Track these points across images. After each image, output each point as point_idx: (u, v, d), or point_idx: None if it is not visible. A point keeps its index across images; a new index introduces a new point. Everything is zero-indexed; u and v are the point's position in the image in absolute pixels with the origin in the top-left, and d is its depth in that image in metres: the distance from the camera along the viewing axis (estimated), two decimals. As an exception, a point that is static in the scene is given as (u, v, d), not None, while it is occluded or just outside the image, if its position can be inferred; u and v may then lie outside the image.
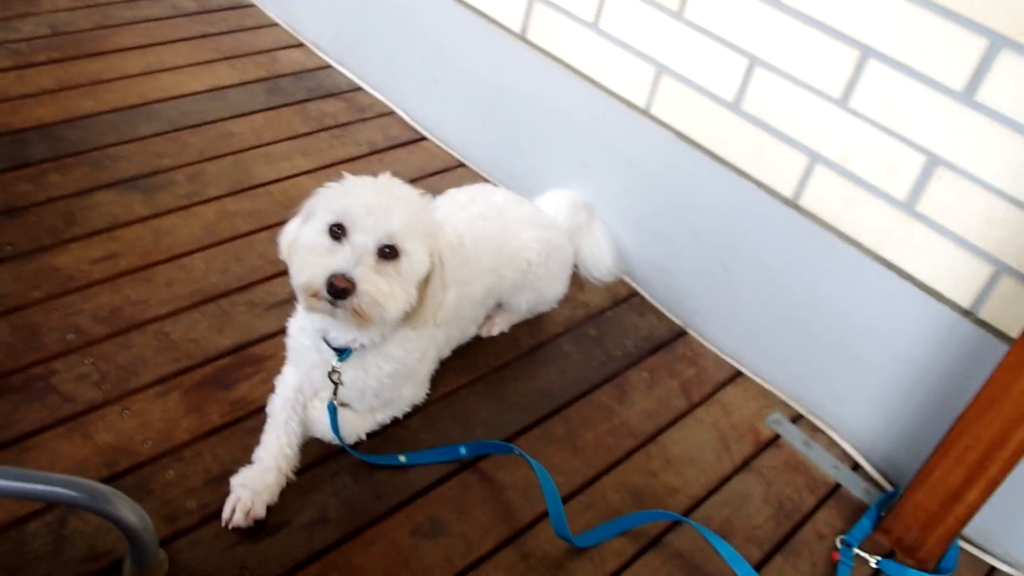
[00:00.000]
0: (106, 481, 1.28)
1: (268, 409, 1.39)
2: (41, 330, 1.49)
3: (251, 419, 1.43)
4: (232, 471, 1.31)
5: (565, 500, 1.42)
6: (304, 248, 1.22)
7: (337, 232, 1.19)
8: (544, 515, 1.40)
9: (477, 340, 1.71)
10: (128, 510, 1.10)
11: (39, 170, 1.84)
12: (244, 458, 1.34)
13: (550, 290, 1.72)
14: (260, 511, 1.27)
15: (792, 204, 1.64)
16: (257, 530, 1.27)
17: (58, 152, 1.90)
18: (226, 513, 1.26)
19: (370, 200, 1.20)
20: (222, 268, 1.73)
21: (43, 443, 1.31)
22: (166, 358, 1.51)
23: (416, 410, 1.51)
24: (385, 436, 1.47)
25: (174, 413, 1.42)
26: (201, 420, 1.42)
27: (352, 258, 1.17)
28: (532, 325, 1.80)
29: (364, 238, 1.18)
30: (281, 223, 1.32)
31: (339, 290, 1.15)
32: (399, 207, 1.20)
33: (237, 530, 1.26)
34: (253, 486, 1.28)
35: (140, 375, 1.47)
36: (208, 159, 2.01)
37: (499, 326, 1.75)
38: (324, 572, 1.25)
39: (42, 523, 1.20)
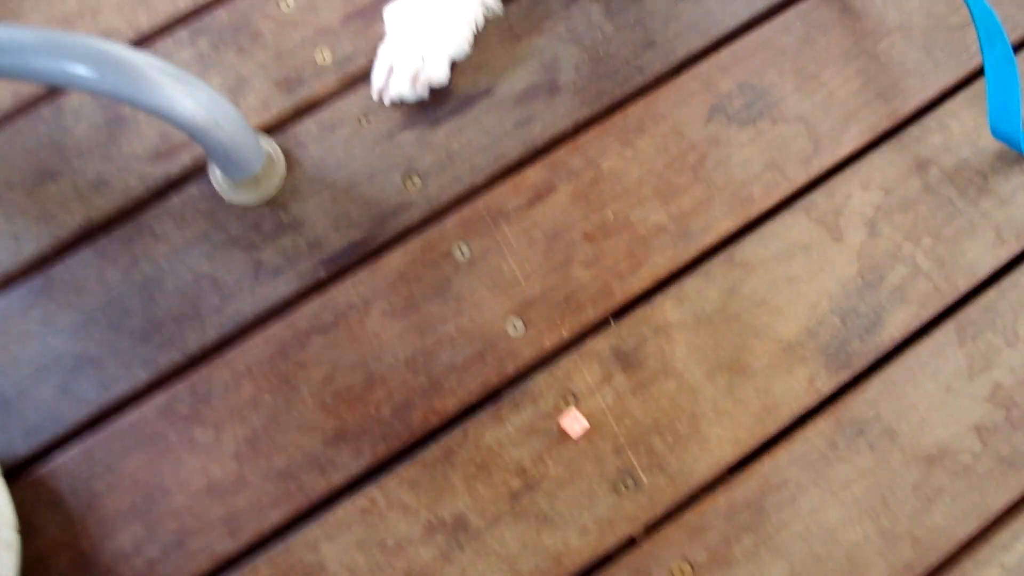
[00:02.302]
0: (187, 17, 0.75)
1: None
2: None
3: (425, -100, 0.81)
4: (388, -2, 0.74)
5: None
6: None
7: None
8: (958, 88, 0.74)
9: None
10: (179, 93, 0.58)
11: None
12: (411, -27, 0.75)
13: None
14: (437, 73, 0.71)
15: None
16: (433, 105, 0.73)
17: None
18: (378, 78, 0.72)
19: None
20: None
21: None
22: None
23: None
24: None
25: None
26: (339, -97, 0.81)
27: None
28: None
29: None
30: None
31: None
32: None
33: (400, 104, 0.73)
34: (424, 29, 0.70)
35: None
36: None
37: None
38: (550, 180, 0.71)
39: (85, 99, 0.73)
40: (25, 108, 0.72)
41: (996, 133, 0.71)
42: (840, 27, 0.77)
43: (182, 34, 0.75)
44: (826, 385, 0.65)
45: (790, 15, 0.77)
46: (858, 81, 0.75)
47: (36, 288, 0.66)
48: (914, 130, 0.73)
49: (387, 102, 0.71)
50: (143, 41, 0.75)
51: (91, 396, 0.63)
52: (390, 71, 0.71)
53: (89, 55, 0.56)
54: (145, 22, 0.75)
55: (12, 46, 0.56)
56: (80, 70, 0.56)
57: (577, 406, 0.63)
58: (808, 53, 0.76)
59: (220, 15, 0.75)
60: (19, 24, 0.73)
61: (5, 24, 0.56)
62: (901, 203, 0.70)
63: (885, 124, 0.73)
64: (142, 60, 0.58)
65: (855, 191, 0.71)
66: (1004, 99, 0.70)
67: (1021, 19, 0.77)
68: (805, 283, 0.68)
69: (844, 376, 0.65)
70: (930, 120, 0.74)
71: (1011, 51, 0.69)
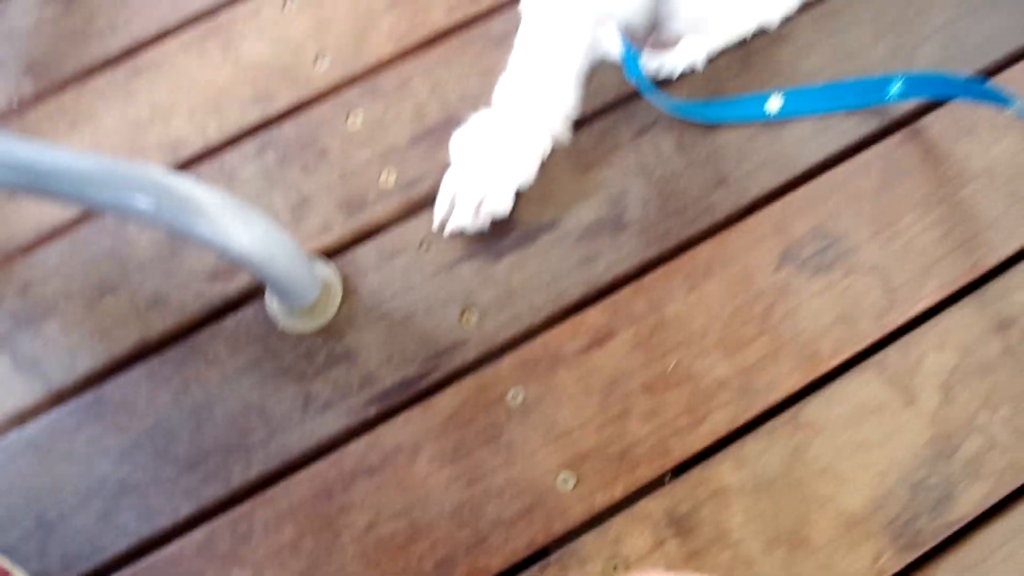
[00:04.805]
0: (255, 130, 0.75)
1: (524, 3, 0.75)
2: None
3: (499, 16, 0.78)
4: (458, 118, 0.72)
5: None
6: None
7: None
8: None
9: None
10: (237, 226, 0.58)
11: None
12: (481, 94, 0.73)
13: None
14: (501, 204, 0.69)
15: None
16: (496, 236, 0.71)
17: None
18: (441, 206, 0.71)
19: None
20: None
21: (163, 59, 0.78)
22: None
23: (804, 6, 0.79)
24: (740, 58, 0.77)
25: (370, 2, 0.81)
26: (414, 16, 0.78)
27: None
28: None
29: None
30: None
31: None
32: None
33: (462, 234, 0.71)
34: (491, 157, 0.69)
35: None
36: None
37: None
38: (611, 324, 0.69)
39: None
40: (90, 216, 0.73)
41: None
42: (921, 171, 0.74)
43: (249, 147, 0.75)
44: (892, 564, 0.61)
45: (868, 156, 0.74)
46: (938, 230, 0.72)
47: (86, 406, 0.66)
48: (996, 286, 0.70)
49: (448, 233, 0.70)
50: (210, 152, 0.75)
51: (132, 526, 0.62)
52: (453, 200, 0.69)
53: (148, 188, 0.56)
54: (214, 132, 0.75)
55: (71, 175, 0.56)
56: (139, 203, 0.55)
57: (626, 572, 0.61)
58: (886, 198, 0.73)
59: (288, 129, 0.75)
60: (82, 149, 0.73)
61: (67, 150, 0.55)
62: (979, 366, 0.67)
63: (965, 278, 0.70)
64: (201, 194, 0.57)
65: (931, 351, 0.67)
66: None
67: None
68: (874, 450, 0.64)
69: (912, 555, 0.62)
70: (1014, 276, 0.70)
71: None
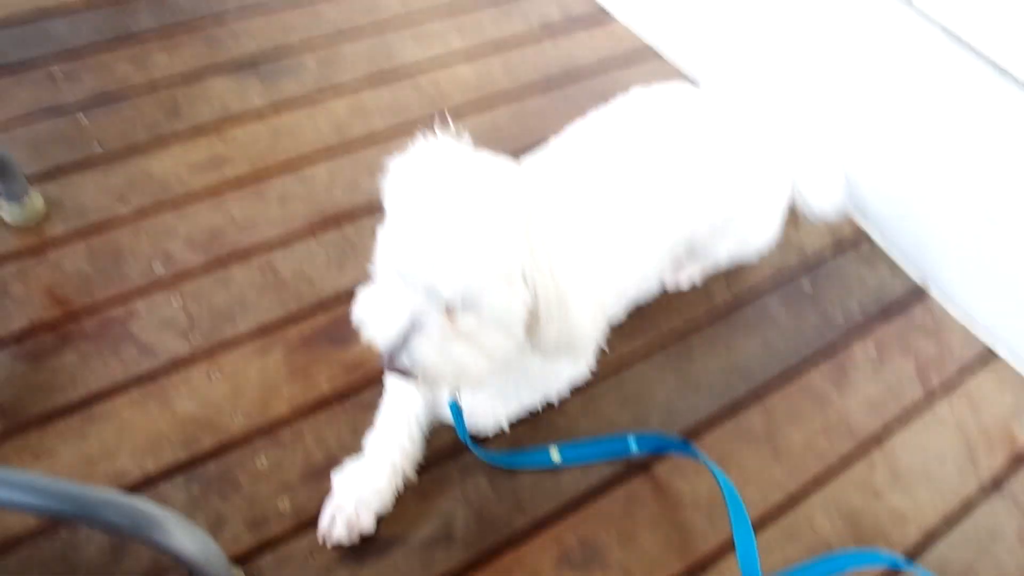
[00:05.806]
0: (184, 466, 1.02)
1: (387, 382, 1.10)
2: (124, 257, 1.23)
3: (367, 390, 1.13)
4: (337, 461, 1.03)
5: (760, 524, 1.08)
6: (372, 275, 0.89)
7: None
8: (732, 545, 1.07)
9: (661, 295, 1.34)
10: (184, 537, 0.83)
11: (143, 48, 1.57)
12: (354, 445, 1.05)
13: (759, 236, 1.31)
14: (367, 524, 0.99)
15: None
16: (363, 547, 0.99)
17: (168, 23, 1.62)
18: (323, 525, 0.98)
19: (420, 244, 0.79)
20: (350, 181, 1.41)
21: (112, 410, 1.07)
22: (271, 300, 1.22)
23: (575, 390, 1.18)
24: (533, 423, 1.14)
25: (274, 377, 1.14)
26: (306, 388, 1.13)
27: (405, 326, 0.82)
28: (731, 276, 1.40)
29: (419, 298, 0.81)
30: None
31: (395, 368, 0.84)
32: (462, 249, 0.79)
33: (338, 546, 0.99)
34: (360, 490, 0.99)
35: (237, 323, 1.19)
36: (345, 36, 1.68)
37: (689, 277, 1.36)
38: (443, 610, 0.97)
39: (102, 518, 0.97)
40: (47, 529, 0.95)
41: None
42: (652, 501, 1.10)
43: (179, 480, 1.01)
44: None
45: (618, 491, 1.10)
46: (663, 541, 1.07)
47: None
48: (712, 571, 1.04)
49: (329, 545, 0.98)
50: (148, 482, 1.01)
51: None
52: (332, 521, 0.98)
53: (126, 510, 0.81)
54: (152, 467, 1.02)
55: (76, 500, 0.80)
56: (120, 521, 0.80)
57: None
58: (629, 519, 1.08)
59: (210, 467, 1.03)
60: (67, 478, 0.96)
61: (63, 480, 0.79)
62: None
63: (680, 570, 1.04)
64: (161, 514, 0.83)
65: (661, 627, 0.99)
66: (746, 554, 1.01)
67: (775, 491, 1.12)
68: None
69: None
70: (714, 570, 1.05)
71: (746, 516, 1.02)
